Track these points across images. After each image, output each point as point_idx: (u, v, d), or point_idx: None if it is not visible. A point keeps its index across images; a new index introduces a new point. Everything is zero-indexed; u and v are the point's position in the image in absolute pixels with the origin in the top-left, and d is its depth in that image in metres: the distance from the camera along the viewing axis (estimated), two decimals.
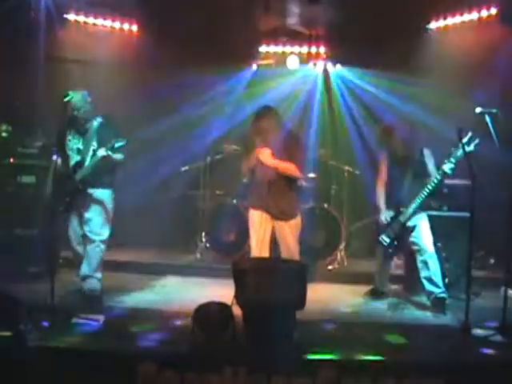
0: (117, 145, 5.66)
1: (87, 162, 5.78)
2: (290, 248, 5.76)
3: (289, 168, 5.63)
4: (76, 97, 5.80)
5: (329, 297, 6.52)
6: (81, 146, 5.90)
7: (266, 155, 5.58)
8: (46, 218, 5.73)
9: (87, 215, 5.82)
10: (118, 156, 5.80)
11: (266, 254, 5.77)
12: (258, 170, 5.78)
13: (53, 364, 4.06)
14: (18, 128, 7.28)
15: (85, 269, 5.81)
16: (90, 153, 5.78)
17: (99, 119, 5.90)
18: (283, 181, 5.72)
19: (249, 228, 5.91)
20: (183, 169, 8.40)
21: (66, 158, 5.89)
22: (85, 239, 5.84)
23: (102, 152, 5.64)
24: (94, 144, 5.80)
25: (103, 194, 5.88)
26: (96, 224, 5.81)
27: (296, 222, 5.84)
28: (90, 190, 5.82)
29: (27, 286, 5.95)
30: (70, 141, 5.92)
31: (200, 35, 8.12)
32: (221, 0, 7.94)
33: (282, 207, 5.76)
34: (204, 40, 8.14)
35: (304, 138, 6.19)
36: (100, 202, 5.85)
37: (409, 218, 6.00)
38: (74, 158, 5.88)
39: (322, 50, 9.27)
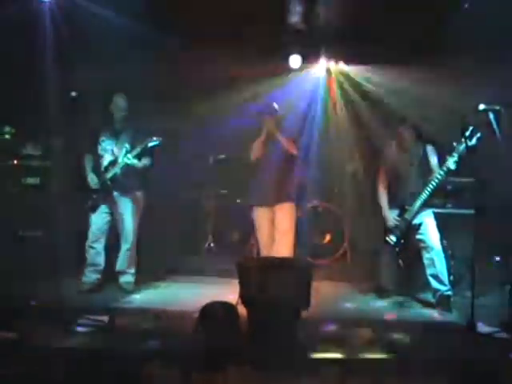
0: (150, 144, 6.05)
1: (119, 162, 6.07)
2: (286, 232, 6.04)
3: (287, 142, 6.00)
4: (122, 99, 6.23)
5: (333, 295, 6.51)
6: (114, 148, 6.19)
7: (271, 125, 6.05)
8: (53, 218, 5.85)
9: (120, 220, 6.22)
10: (144, 161, 6.17)
11: (276, 245, 5.95)
12: (261, 158, 6.11)
13: (57, 364, 4.07)
14: (21, 129, 7.28)
15: (120, 264, 6.29)
16: (123, 153, 6.06)
17: (131, 124, 6.26)
18: (284, 165, 6.04)
19: (253, 227, 5.99)
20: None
21: (97, 158, 6.21)
22: (114, 238, 6.29)
23: (134, 152, 6.02)
24: (127, 146, 6.09)
25: (134, 197, 6.26)
26: (129, 228, 6.23)
27: (291, 205, 6.09)
28: (120, 193, 6.19)
29: (32, 287, 5.96)
30: (103, 141, 6.23)
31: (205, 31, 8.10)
32: None
33: (281, 192, 6.06)
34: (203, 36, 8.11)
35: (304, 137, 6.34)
36: (131, 206, 6.23)
37: (414, 216, 5.99)
38: (108, 158, 6.18)
39: (324, 48, 9.25)
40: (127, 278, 6.35)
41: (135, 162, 6.06)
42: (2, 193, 6.82)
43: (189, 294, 6.40)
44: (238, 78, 8.64)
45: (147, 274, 7.16)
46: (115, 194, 6.16)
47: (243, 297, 4.62)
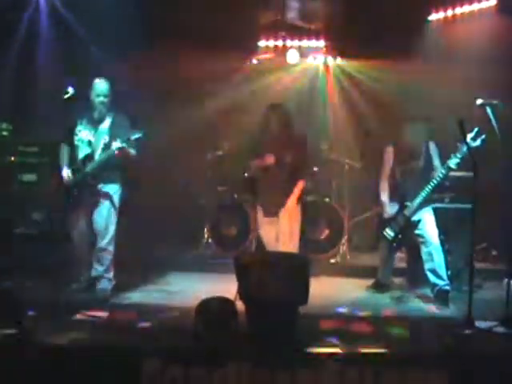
0: (133, 137, 5.60)
1: (97, 156, 5.70)
2: (290, 233, 5.97)
3: (297, 190, 5.92)
4: (103, 84, 5.76)
5: (331, 290, 6.52)
6: (92, 138, 5.80)
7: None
8: (49, 215, 5.74)
9: (95, 214, 5.80)
10: (132, 151, 5.75)
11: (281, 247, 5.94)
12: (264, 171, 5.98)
13: (56, 361, 4.07)
14: (18, 126, 7.27)
15: (97, 269, 5.86)
16: (101, 146, 5.70)
17: (113, 113, 5.84)
18: (287, 177, 5.94)
19: (250, 223, 5.99)
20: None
21: (73, 149, 5.82)
22: (92, 238, 5.85)
23: (117, 144, 5.53)
24: (106, 138, 5.72)
25: (111, 188, 5.84)
26: (104, 222, 5.81)
27: (294, 206, 6.00)
28: (97, 186, 5.77)
29: (30, 284, 5.96)
30: (80, 131, 5.82)
31: (199, 30, 8.09)
32: None
33: (286, 194, 5.95)
34: (203, 34, 8.11)
35: (307, 135, 6.26)
36: (108, 198, 5.81)
37: (414, 212, 5.99)
38: (84, 151, 5.79)
39: (322, 43, 9.26)
40: (104, 285, 5.86)
41: (124, 145, 5.57)
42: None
43: (186, 290, 6.39)
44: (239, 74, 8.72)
45: (144, 269, 7.19)
46: (93, 188, 5.75)
47: (241, 292, 4.62)
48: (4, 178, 6.86)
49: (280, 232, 5.96)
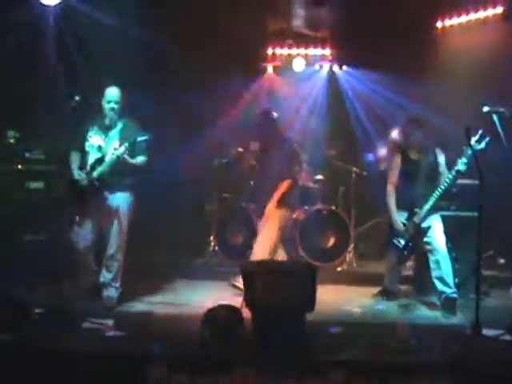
0: (139, 139, 5.64)
1: (107, 160, 5.68)
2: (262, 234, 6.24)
3: (280, 192, 6.13)
4: (114, 91, 5.82)
5: (338, 298, 6.50)
6: (102, 144, 5.83)
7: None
8: (57, 222, 5.71)
9: (104, 221, 5.80)
10: (140, 158, 5.79)
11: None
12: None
13: (63, 367, 4.07)
14: (25, 134, 7.29)
15: (105, 276, 5.86)
16: (111, 151, 5.69)
17: (124, 120, 5.88)
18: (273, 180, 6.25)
19: (256, 230, 6.03)
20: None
21: (83, 154, 5.84)
22: (99, 245, 5.86)
23: (122, 148, 5.54)
24: (116, 143, 5.75)
25: (120, 197, 5.84)
26: (114, 230, 5.80)
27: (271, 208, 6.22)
28: (107, 193, 5.77)
29: (37, 291, 5.98)
30: (91, 137, 5.85)
31: (207, 37, 8.13)
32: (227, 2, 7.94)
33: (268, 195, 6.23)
34: (211, 41, 8.15)
35: (297, 143, 6.45)
36: (119, 206, 5.81)
37: (423, 219, 5.96)
38: (94, 155, 5.80)
39: (328, 51, 9.29)
40: (111, 292, 5.84)
41: (126, 156, 5.59)
42: (6, 197, 6.81)
43: (193, 298, 6.39)
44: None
45: (151, 277, 7.20)
46: (103, 193, 5.77)
47: (248, 300, 4.62)
48: (11, 185, 6.88)
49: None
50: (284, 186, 6.12)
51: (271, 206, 6.11)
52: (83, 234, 5.81)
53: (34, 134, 7.38)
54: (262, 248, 6.09)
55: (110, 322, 5.08)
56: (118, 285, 5.90)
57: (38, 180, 6.96)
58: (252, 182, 6.29)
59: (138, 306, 5.97)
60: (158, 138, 6.00)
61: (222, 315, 4.44)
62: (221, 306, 4.63)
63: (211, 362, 4.09)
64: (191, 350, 4.38)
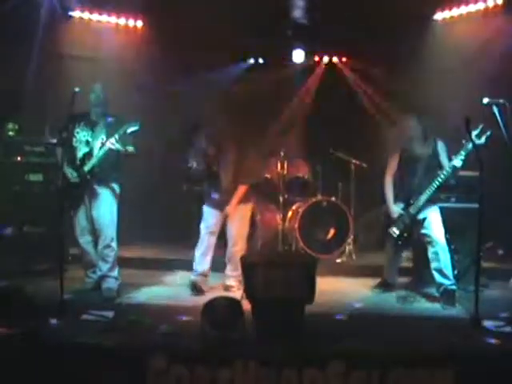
0: (129, 129, 5.72)
1: (96, 154, 5.81)
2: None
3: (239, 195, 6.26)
4: (98, 89, 5.95)
5: (337, 290, 6.50)
6: (90, 138, 5.93)
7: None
8: (55, 215, 5.73)
9: (95, 213, 5.90)
10: (130, 148, 5.88)
11: None
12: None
13: (63, 360, 4.08)
14: (24, 126, 7.28)
15: (101, 268, 5.94)
16: (99, 145, 5.82)
17: (110, 115, 5.99)
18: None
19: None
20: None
21: (72, 150, 5.91)
22: (95, 237, 5.98)
23: (112, 140, 5.67)
24: (103, 137, 5.85)
25: (110, 189, 5.96)
26: (104, 221, 5.90)
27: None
28: (96, 185, 5.88)
29: (36, 283, 5.98)
30: (78, 133, 5.94)
31: (203, 30, 8.10)
32: None
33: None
34: (207, 34, 8.12)
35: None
36: (107, 198, 5.93)
37: (419, 211, 5.96)
38: (82, 150, 5.92)
39: (328, 43, 9.25)
40: (110, 284, 5.92)
41: (119, 146, 5.70)
42: (5, 189, 6.81)
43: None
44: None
45: (150, 269, 7.20)
46: (93, 186, 5.87)
47: (247, 292, 4.63)
48: (11, 177, 6.87)
49: None
50: (240, 191, 6.26)
51: (232, 205, 6.27)
52: (80, 226, 5.98)
53: (33, 126, 7.39)
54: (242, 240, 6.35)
55: (111, 314, 5.08)
56: (116, 274, 5.98)
57: (37, 172, 6.97)
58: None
59: (138, 298, 5.97)
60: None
61: (221, 307, 4.45)
62: (220, 298, 4.64)
63: (211, 353, 4.10)
64: (191, 342, 4.39)
